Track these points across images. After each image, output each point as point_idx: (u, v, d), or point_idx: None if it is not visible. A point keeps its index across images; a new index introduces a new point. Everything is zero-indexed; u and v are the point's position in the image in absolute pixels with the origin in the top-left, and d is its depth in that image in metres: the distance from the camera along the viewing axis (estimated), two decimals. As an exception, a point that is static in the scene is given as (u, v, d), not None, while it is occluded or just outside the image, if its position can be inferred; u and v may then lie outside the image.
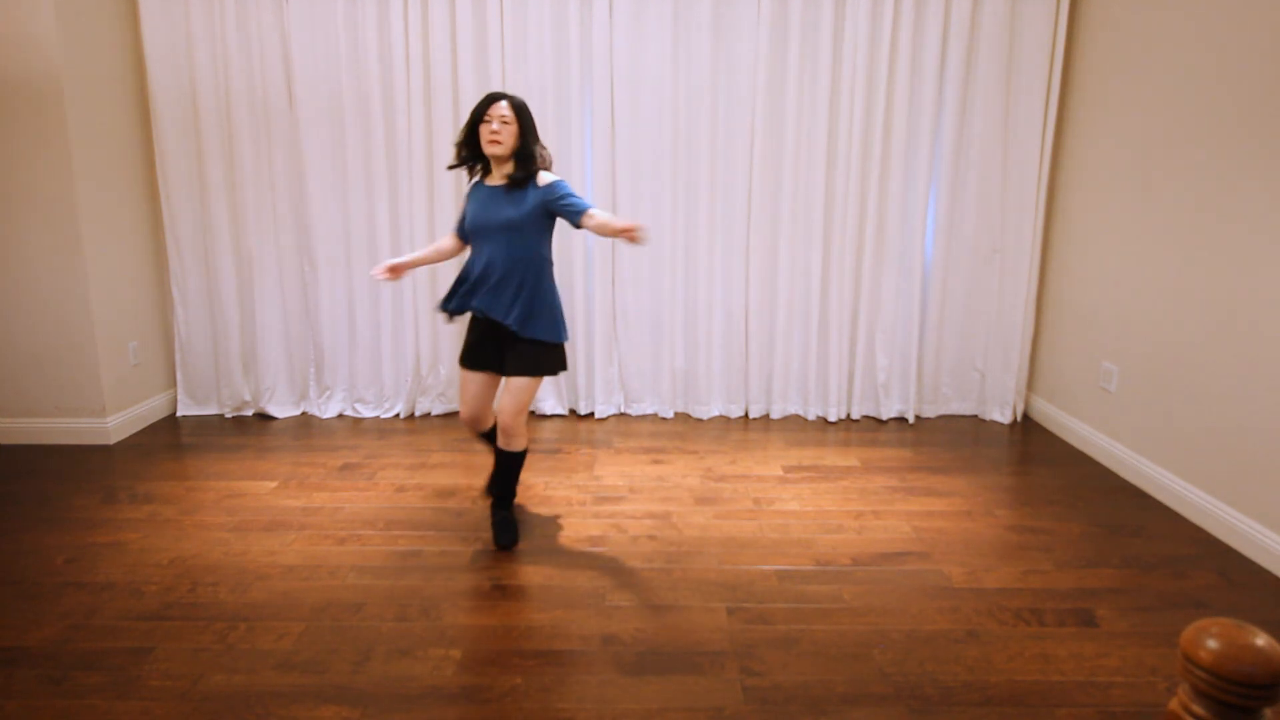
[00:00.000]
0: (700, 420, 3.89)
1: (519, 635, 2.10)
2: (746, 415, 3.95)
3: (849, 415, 3.93)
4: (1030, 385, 3.95)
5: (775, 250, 3.77)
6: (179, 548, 2.56)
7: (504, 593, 2.31)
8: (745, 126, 3.65)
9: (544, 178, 2.47)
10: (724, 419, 3.91)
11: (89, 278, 3.34)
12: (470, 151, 2.52)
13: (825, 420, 3.89)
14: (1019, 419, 3.91)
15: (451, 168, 2.60)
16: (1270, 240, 2.47)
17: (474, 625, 2.14)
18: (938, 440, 3.64)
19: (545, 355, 2.49)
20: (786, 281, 3.78)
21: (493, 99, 2.43)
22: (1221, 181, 2.67)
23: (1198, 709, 0.79)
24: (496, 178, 2.51)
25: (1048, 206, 3.74)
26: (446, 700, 1.85)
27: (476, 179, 2.57)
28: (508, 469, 2.61)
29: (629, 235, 2.23)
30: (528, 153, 2.45)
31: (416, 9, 3.49)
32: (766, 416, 3.94)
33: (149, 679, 1.91)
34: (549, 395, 3.92)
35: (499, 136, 2.40)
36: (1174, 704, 0.82)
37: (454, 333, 3.82)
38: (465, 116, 3.55)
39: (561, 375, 3.84)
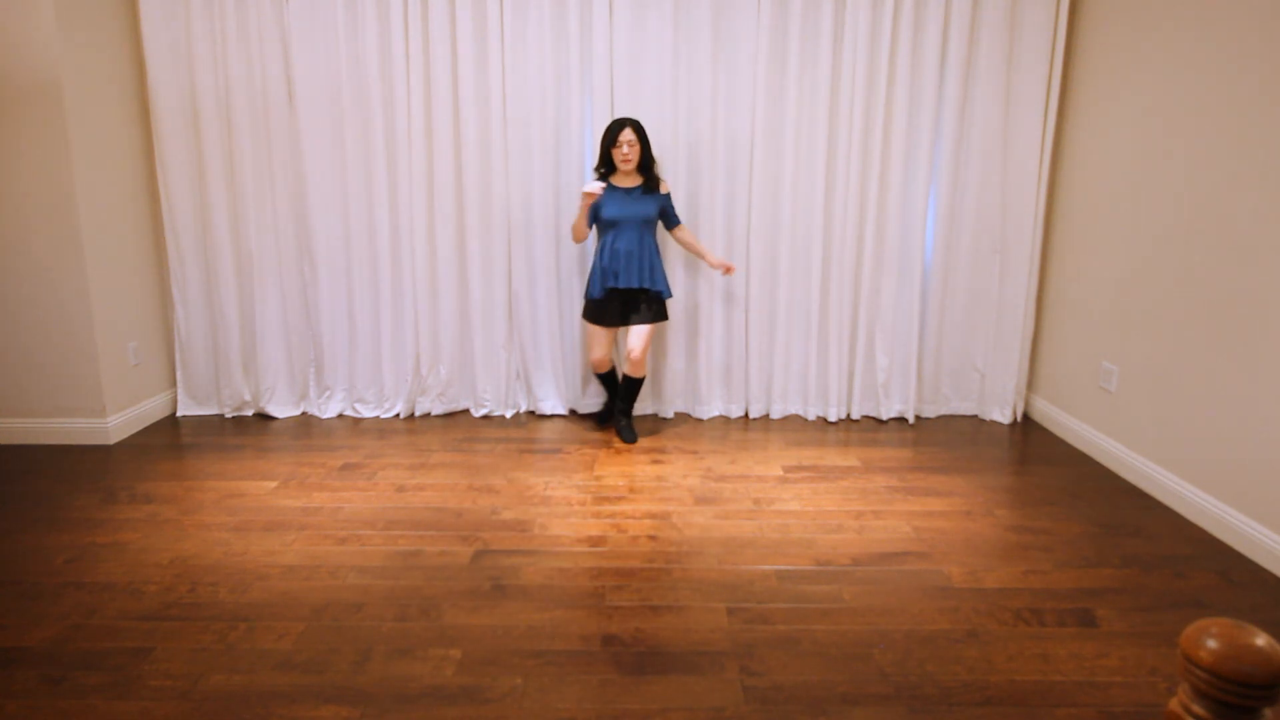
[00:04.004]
0: (700, 420, 3.89)
1: (519, 635, 2.10)
2: (746, 415, 3.95)
3: (849, 415, 3.92)
4: (1030, 385, 3.95)
5: (775, 250, 3.77)
6: (179, 548, 2.57)
7: (504, 593, 2.31)
8: (745, 126, 3.64)
9: (664, 186, 3.43)
10: (724, 419, 3.91)
11: (89, 278, 3.34)
12: (605, 166, 3.39)
13: (825, 420, 3.89)
14: (1019, 419, 3.91)
15: (598, 172, 3.42)
16: (1271, 240, 2.47)
17: (474, 625, 2.14)
18: (938, 440, 3.64)
19: (661, 307, 3.45)
20: (786, 281, 3.78)
21: (621, 125, 3.24)
22: (1222, 180, 2.67)
23: (1198, 709, 0.79)
24: (626, 182, 3.38)
25: (1048, 206, 3.74)
26: (446, 700, 1.85)
27: (604, 184, 3.27)
28: (634, 390, 3.57)
29: (725, 270, 3.49)
30: (650, 161, 3.35)
31: (416, 12, 3.49)
32: (766, 416, 3.94)
33: (149, 679, 1.91)
34: (549, 395, 3.92)
35: (629, 155, 3.27)
36: (1174, 704, 0.82)
37: (454, 333, 3.83)
38: (464, 117, 3.60)
39: (560, 375, 3.90)
